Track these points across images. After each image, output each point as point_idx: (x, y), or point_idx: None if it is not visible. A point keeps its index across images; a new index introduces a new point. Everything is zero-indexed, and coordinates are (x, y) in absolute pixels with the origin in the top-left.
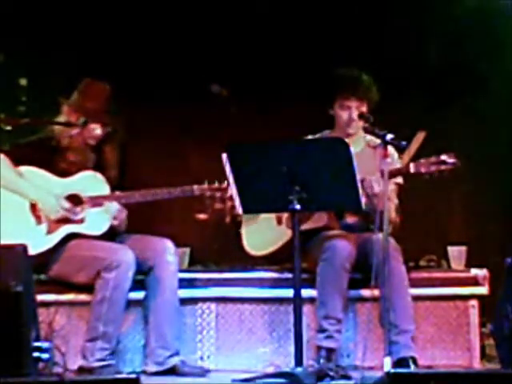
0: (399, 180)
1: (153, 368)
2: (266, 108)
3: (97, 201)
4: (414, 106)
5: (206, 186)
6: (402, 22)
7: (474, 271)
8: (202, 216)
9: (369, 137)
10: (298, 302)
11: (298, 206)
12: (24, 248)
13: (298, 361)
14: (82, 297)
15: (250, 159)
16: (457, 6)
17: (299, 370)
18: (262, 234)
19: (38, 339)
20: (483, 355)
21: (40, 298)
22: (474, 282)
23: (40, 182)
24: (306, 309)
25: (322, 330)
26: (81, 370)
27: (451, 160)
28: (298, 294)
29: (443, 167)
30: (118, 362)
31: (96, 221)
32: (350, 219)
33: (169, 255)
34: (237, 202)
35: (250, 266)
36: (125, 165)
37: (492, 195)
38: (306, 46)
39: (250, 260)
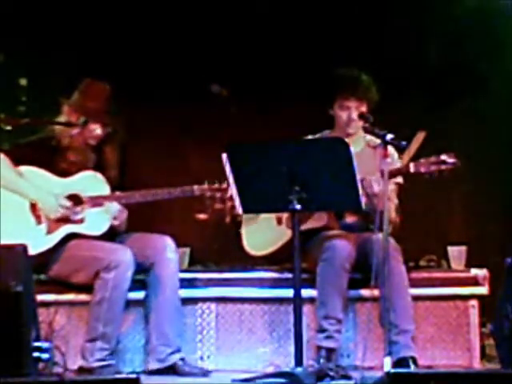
0: (399, 180)
1: (155, 365)
2: (266, 108)
3: (97, 201)
4: (414, 106)
5: (206, 186)
6: (402, 22)
7: (473, 271)
8: (202, 216)
9: (369, 137)
10: (297, 302)
11: (297, 206)
12: (24, 248)
13: (298, 361)
14: (82, 297)
15: (250, 159)
16: (457, 5)
17: (299, 369)
18: (262, 234)
19: (38, 339)
20: (483, 355)
21: (40, 298)
22: (474, 281)
23: (40, 182)
24: (306, 309)
25: (321, 330)
26: (81, 370)
27: (451, 160)
28: (297, 293)
29: (443, 167)
30: (118, 361)
31: (96, 221)
32: (350, 219)
33: (169, 252)
34: (237, 202)
35: (250, 266)
36: (125, 165)
37: (492, 195)
38: (305, 46)
39: (249, 260)
